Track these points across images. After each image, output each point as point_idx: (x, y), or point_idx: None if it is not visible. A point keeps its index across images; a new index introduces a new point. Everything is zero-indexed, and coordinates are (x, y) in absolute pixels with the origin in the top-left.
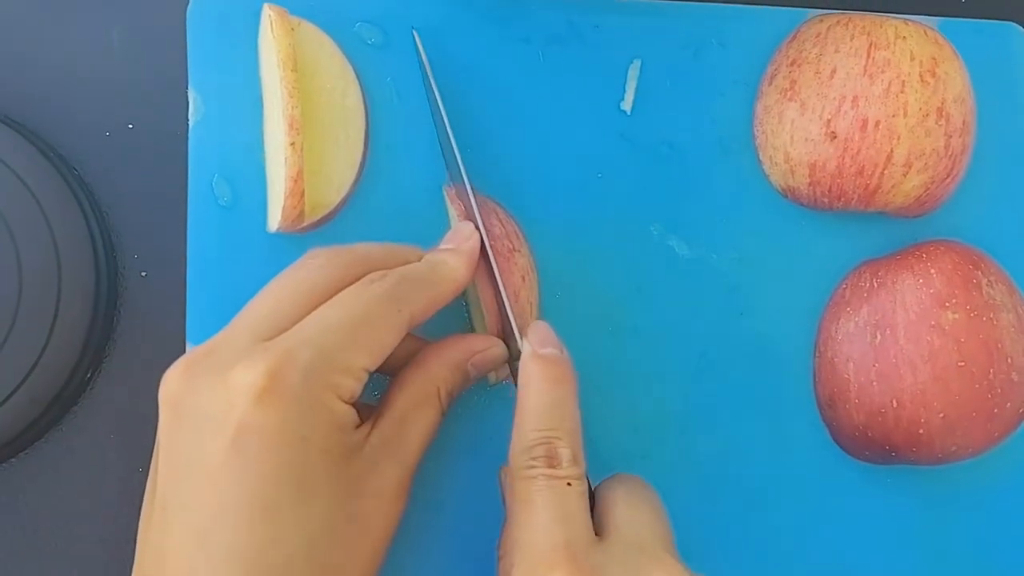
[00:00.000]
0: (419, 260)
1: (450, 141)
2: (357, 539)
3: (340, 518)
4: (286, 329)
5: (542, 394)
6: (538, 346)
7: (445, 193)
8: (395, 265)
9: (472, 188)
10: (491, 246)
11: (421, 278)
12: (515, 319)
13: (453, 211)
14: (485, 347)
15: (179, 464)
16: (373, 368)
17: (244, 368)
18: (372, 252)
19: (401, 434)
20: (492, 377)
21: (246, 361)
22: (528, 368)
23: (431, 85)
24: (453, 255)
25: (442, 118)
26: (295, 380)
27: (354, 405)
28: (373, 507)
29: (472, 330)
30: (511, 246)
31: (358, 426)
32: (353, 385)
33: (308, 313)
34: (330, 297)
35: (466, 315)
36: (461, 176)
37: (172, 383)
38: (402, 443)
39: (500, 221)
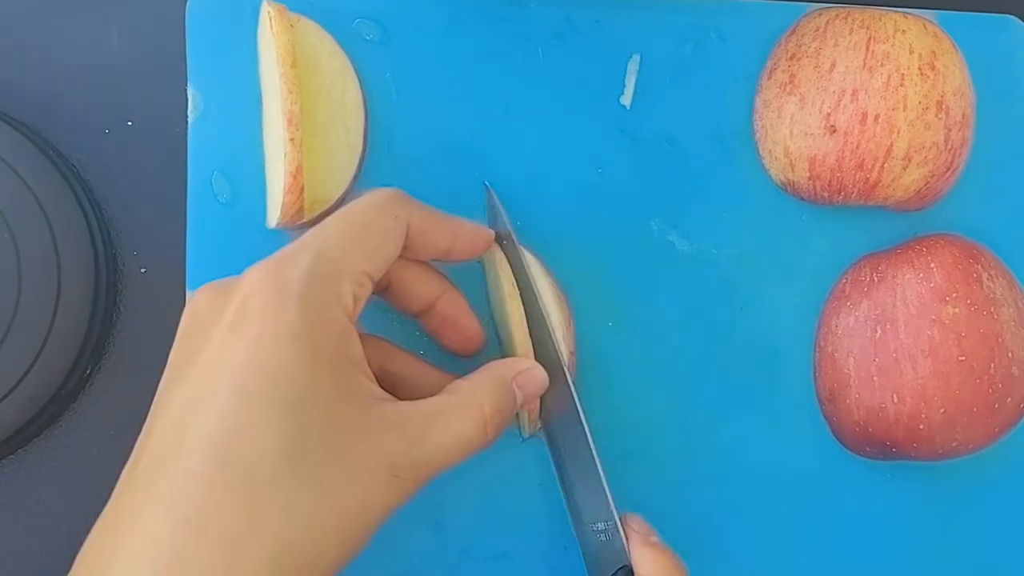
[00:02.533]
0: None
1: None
2: (335, 484)
3: (319, 440)
4: None
5: None
6: (648, 535)
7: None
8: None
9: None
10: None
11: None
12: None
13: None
14: (527, 367)
15: (177, 362)
16: (374, 274)
17: (251, 270)
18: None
19: (424, 425)
20: (526, 430)
21: (254, 266)
22: (645, 554)
23: (509, 232)
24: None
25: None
26: (295, 278)
27: (367, 366)
28: (358, 471)
29: None
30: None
31: (391, 404)
32: (354, 290)
33: None
34: None
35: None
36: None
37: (195, 296)
38: (421, 432)
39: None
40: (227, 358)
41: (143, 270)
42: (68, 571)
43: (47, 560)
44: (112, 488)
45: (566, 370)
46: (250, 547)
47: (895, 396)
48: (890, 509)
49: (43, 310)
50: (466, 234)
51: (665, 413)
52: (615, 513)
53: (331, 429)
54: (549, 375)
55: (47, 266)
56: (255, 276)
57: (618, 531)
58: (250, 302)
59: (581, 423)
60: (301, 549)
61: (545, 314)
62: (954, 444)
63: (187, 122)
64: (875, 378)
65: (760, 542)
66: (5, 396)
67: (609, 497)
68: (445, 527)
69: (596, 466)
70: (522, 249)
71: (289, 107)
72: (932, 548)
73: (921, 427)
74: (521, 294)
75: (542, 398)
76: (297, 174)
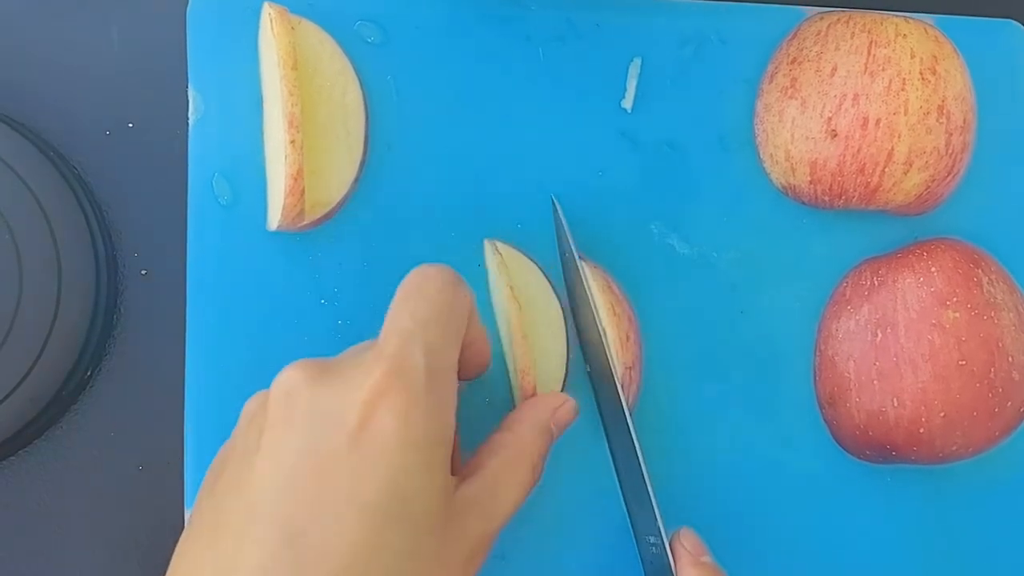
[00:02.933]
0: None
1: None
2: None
3: (429, 543)
4: None
5: None
6: (698, 555)
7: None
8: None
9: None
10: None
11: None
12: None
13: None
14: (560, 403)
15: (282, 460)
16: (458, 355)
17: (365, 370)
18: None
19: (493, 495)
20: None
21: (367, 364)
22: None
23: (570, 247)
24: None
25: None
26: (418, 381)
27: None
28: (452, 563)
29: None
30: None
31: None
32: (454, 376)
33: None
34: None
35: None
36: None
37: (287, 379)
38: (492, 503)
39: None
40: (352, 471)
41: (144, 272)
42: (67, 571)
43: (47, 561)
44: (111, 489)
45: (619, 389)
46: None
47: (895, 400)
48: (890, 512)
49: (43, 311)
50: (484, 339)
51: (665, 415)
52: (663, 533)
53: (436, 527)
54: (604, 392)
55: (47, 267)
56: (376, 376)
57: (666, 550)
58: (378, 409)
59: (632, 441)
60: None
61: (601, 331)
62: (954, 448)
63: (188, 124)
64: (875, 382)
65: (759, 545)
66: (6, 397)
67: (658, 518)
68: None
69: (646, 485)
70: (583, 264)
71: (290, 109)
72: (932, 551)
73: (921, 431)
74: (576, 310)
75: (601, 413)
76: (298, 176)
